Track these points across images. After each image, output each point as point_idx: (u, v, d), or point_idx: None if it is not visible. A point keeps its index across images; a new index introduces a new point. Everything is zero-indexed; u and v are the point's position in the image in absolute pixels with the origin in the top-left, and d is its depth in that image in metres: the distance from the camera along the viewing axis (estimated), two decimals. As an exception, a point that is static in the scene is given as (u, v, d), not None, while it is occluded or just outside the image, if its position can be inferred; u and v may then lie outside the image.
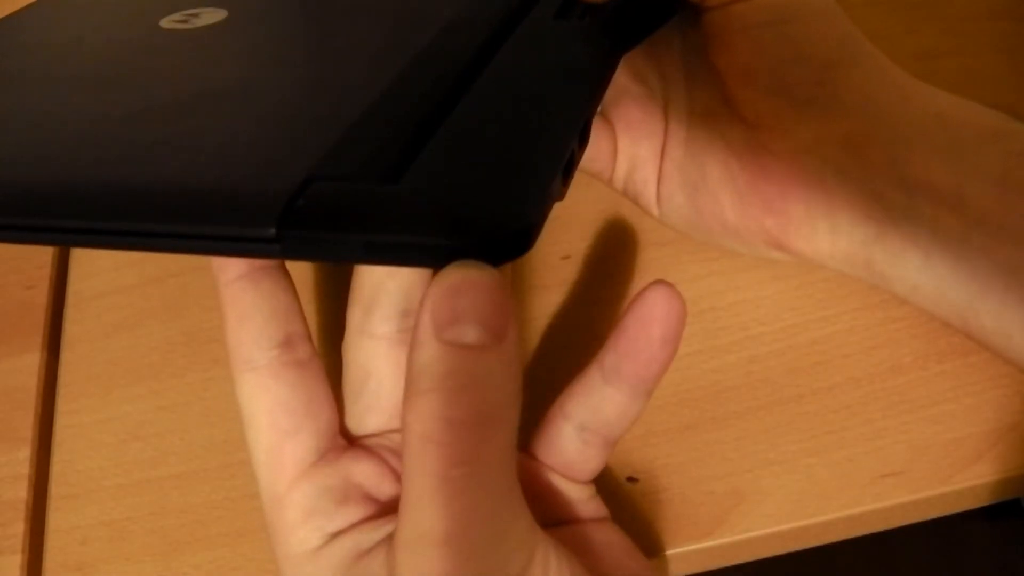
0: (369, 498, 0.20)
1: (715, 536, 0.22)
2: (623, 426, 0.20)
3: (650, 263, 0.26)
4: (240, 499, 0.25)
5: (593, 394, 0.20)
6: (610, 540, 0.21)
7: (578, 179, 0.19)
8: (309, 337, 0.20)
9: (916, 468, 0.22)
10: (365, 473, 0.20)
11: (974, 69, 0.29)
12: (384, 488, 0.20)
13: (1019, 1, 0.31)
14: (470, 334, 0.14)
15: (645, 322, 0.19)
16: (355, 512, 0.19)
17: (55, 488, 0.26)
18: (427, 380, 0.15)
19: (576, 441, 0.21)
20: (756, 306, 0.25)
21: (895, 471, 0.22)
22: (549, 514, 0.21)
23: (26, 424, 0.27)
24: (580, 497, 0.21)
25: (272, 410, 0.19)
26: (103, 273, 0.30)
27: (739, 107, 0.22)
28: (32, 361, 0.28)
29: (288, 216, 0.14)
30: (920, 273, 0.20)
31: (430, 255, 0.14)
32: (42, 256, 0.30)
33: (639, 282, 0.26)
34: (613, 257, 0.23)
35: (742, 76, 0.22)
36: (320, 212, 0.14)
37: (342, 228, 0.14)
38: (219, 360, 0.27)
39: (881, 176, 0.20)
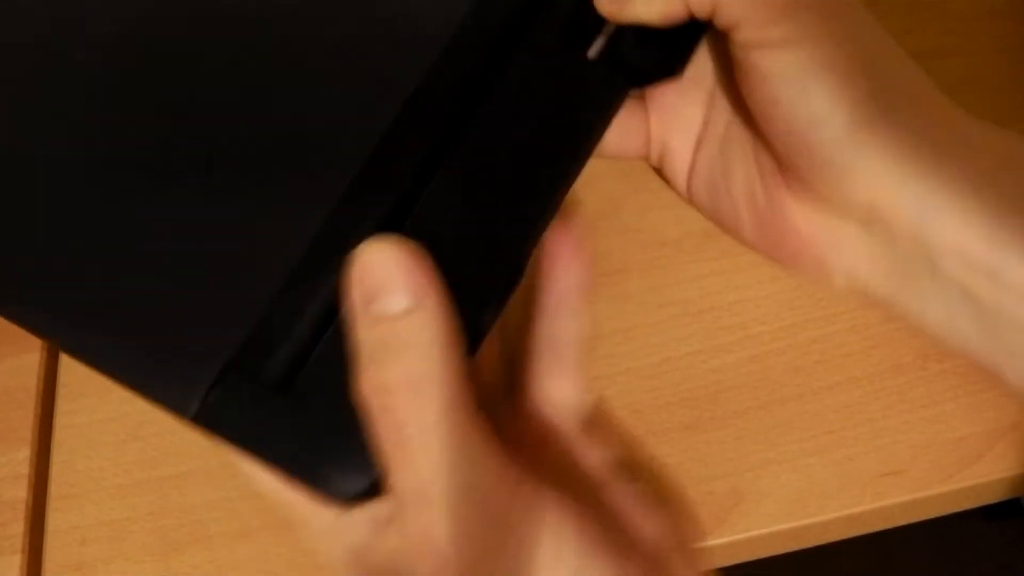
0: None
1: (715, 535, 0.22)
2: (580, 347, 0.21)
3: (650, 263, 0.26)
4: (240, 499, 0.25)
5: (545, 329, 0.21)
6: (625, 502, 0.21)
7: (578, 178, 0.19)
8: None
9: (916, 467, 0.22)
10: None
11: (974, 69, 0.29)
12: None
13: (1019, 1, 0.31)
14: (390, 304, 0.16)
15: (553, 256, 0.21)
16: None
17: (55, 488, 0.26)
18: (363, 354, 0.16)
19: (550, 377, 0.21)
20: (756, 305, 0.25)
21: (895, 470, 0.22)
22: (567, 471, 0.21)
23: (26, 424, 0.27)
24: (599, 461, 0.22)
25: None
26: (103, 273, 0.30)
27: (764, 139, 0.20)
28: (32, 361, 0.28)
29: (202, 411, 0.17)
30: (942, 326, 0.19)
31: (299, 483, 0.17)
32: (42, 256, 0.30)
33: (639, 281, 0.26)
34: (613, 256, 0.23)
35: (760, 116, 0.19)
36: (224, 414, 0.17)
37: (237, 439, 0.17)
38: (219, 360, 0.27)
39: (905, 240, 0.19)
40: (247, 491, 0.25)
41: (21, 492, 0.25)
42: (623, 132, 0.23)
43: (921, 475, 0.22)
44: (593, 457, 0.21)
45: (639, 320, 0.25)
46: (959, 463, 0.22)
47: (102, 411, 0.27)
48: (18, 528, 0.25)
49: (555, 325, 0.21)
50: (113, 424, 0.27)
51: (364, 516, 0.19)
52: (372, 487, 0.16)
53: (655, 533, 0.20)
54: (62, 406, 0.27)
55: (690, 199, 0.24)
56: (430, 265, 0.17)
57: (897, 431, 0.23)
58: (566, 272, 0.21)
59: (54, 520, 0.25)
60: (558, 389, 0.22)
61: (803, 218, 0.20)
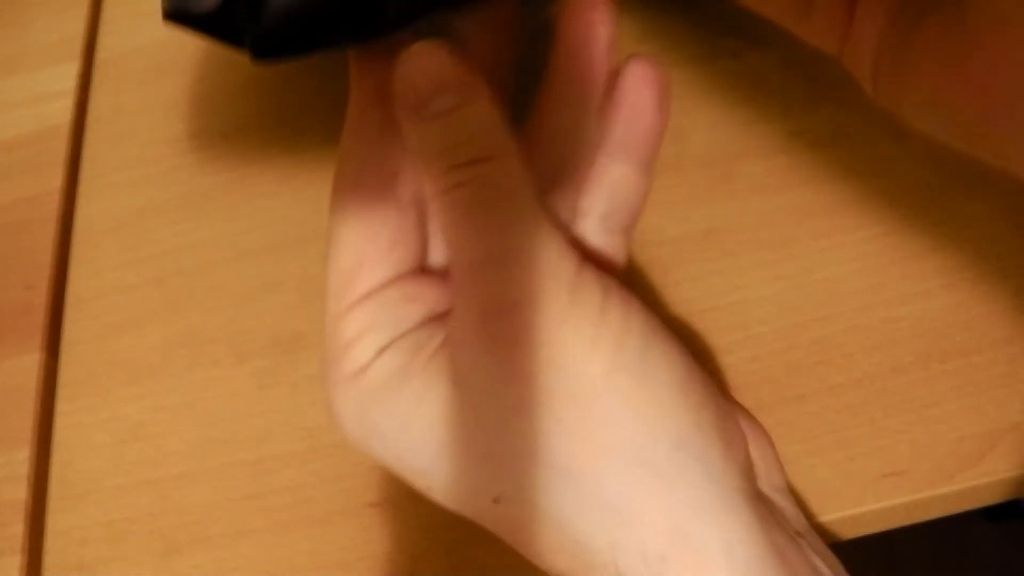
0: (425, 307, 0.19)
1: (716, 536, 0.22)
2: (637, 206, 0.21)
3: (650, 262, 0.26)
4: (240, 499, 0.25)
5: (605, 179, 0.21)
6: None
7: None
8: (416, 186, 0.20)
9: (918, 468, 0.22)
10: (430, 291, 0.19)
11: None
12: (442, 300, 0.19)
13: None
14: (442, 102, 0.17)
15: (639, 88, 0.20)
16: (409, 321, 0.19)
17: (54, 488, 0.26)
18: (431, 149, 0.18)
19: (602, 235, 0.21)
20: (757, 306, 0.25)
21: (897, 471, 0.22)
22: None
23: (25, 424, 0.27)
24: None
25: (359, 234, 0.19)
26: (103, 273, 0.30)
27: None
28: (31, 361, 0.28)
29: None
30: None
31: None
32: (42, 256, 0.30)
33: (639, 281, 0.26)
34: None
35: None
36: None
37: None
38: (219, 360, 0.27)
39: None
40: (248, 491, 0.25)
41: (21, 492, 0.25)
42: (832, 15, 0.21)
43: (923, 476, 0.22)
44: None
45: (640, 320, 0.25)
46: (961, 463, 0.22)
47: (102, 411, 0.27)
48: (18, 528, 0.25)
49: (621, 174, 0.21)
50: (113, 424, 0.27)
51: (403, 346, 0.19)
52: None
53: None
54: (62, 406, 0.27)
55: (875, 86, 0.22)
56: (469, 60, 0.18)
57: (899, 432, 0.23)
58: (645, 114, 0.20)
59: (54, 520, 0.25)
60: (607, 252, 0.21)
61: (990, 56, 0.17)
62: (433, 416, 0.18)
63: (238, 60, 0.19)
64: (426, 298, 0.19)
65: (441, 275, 0.20)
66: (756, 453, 0.19)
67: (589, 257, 0.21)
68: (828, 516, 0.22)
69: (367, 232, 0.19)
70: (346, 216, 0.19)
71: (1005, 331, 0.23)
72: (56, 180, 0.32)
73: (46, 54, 0.35)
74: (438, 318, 0.19)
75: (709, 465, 0.17)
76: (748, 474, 0.18)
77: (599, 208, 0.21)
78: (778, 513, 0.18)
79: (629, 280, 0.26)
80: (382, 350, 0.18)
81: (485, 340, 0.17)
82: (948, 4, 0.19)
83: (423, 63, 0.17)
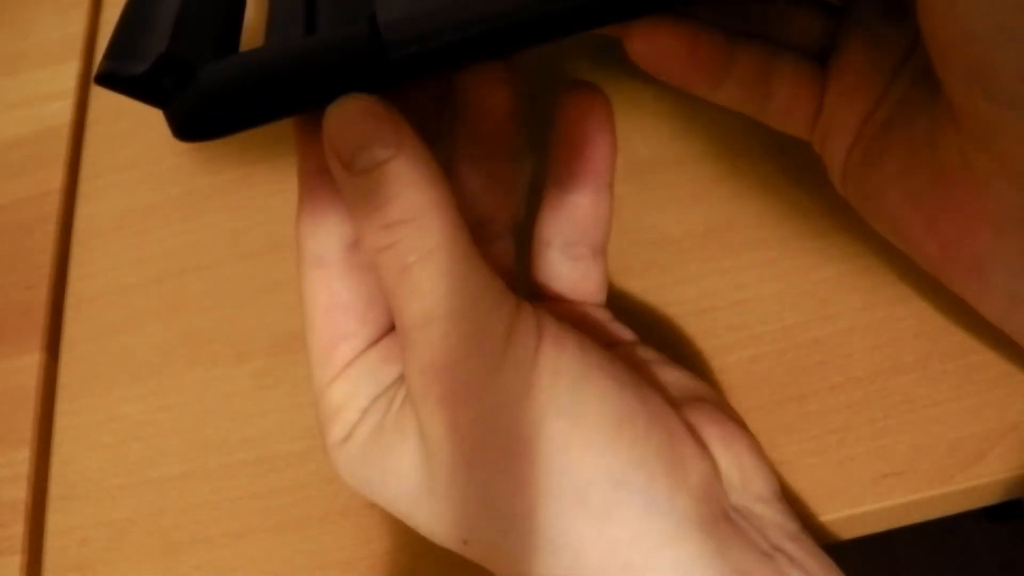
0: (401, 365, 0.20)
1: (716, 536, 0.22)
2: (601, 228, 0.22)
3: (650, 261, 0.26)
4: (240, 499, 0.25)
5: (560, 209, 0.21)
6: (651, 357, 0.22)
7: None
8: None
9: (918, 468, 0.22)
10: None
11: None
12: None
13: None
14: (370, 158, 0.17)
15: (575, 117, 0.20)
16: (387, 380, 0.20)
17: (54, 489, 0.26)
18: (361, 208, 0.17)
19: (566, 261, 0.22)
20: (757, 305, 0.25)
21: (897, 471, 0.22)
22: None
23: (25, 424, 0.27)
24: (600, 320, 0.22)
25: (331, 310, 0.19)
26: (103, 273, 0.30)
27: (944, 88, 0.16)
28: (32, 361, 0.28)
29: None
30: None
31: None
32: (42, 256, 0.30)
33: (639, 281, 0.26)
34: (613, 256, 0.23)
35: (934, 42, 0.16)
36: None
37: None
38: (219, 360, 0.27)
39: None
40: (248, 491, 0.25)
41: (21, 492, 0.25)
42: (793, 104, 0.22)
43: (923, 475, 0.22)
44: (593, 315, 0.22)
45: (639, 320, 0.25)
46: (961, 463, 0.22)
47: (102, 411, 0.27)
48: (18, 529, 0.25)
49: (574, 202, 0.21)
50: (113, 424, 0.27)
51: (380, 406, 0.19)
52: (166, 55, 0.17)
53: (679, 384, 0.21)
54: (62, 406, 0.27)
55: (843, 186, 0.22)
56: (396, 111, 0.18)
57: (899, 431, 0.23)
58: (589, 141, 0.21)
59: (54, 521, 0.25)
60: (576, 278, 0.22)
61: (968, 191, 0.17)
62: (403, 468, 0.18)
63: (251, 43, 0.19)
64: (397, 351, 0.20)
65: None
66: (730, 466, 0.19)
67: (549, 290, 0.22)
68: (828, 516, 0.22)
69: (338, 308, 0.19)
70: (315, 295, 0.19)
71: (1005, 331, 0.23)
72: (56, 180, 0.32)
73: (46, 54, 0.35)
74: None
75: (651, 499, 0.17)
76: (705, 497, 0.18)
77: (559, 238, 0.22)
78: (751, 529, 0.18)
79: (629, 281, 0.26)
80: (364, 412, 0.19)
81: (428, 399, 0.18)
82: (919, 121, 0.19)
83: (350, 116, 0.17)
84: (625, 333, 0.23)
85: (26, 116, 0.34)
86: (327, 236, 0.19)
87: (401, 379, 0.19)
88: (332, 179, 0.19)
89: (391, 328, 0.20)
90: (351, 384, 0.19)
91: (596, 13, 0.18)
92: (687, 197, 0.27)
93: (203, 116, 0.17)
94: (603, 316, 0.23)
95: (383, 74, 0.17)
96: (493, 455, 0.17)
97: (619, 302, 0.26)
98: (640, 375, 0.20)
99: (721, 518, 0.18)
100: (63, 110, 0.34)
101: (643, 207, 0.27)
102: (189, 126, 0.17)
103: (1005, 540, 0.70)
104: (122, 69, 0.17)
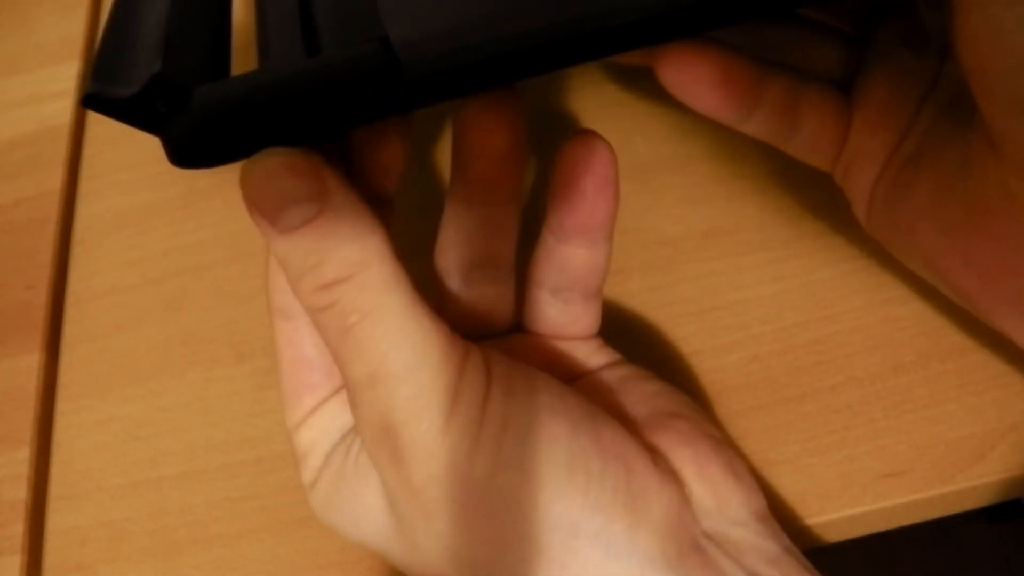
0: None
1: (716, 536, 0.22)
2: (595, 277, 0.21)
3: (650, 262, 0.26)
4: (240, 499, 0.25)
5: (553, 256, 0.21)
6: (627, 375, 0.21)
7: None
8: None
9: (918, 468, 0.22)
10: None
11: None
12: None
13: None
14: (295, 216, 0.16)
15: (574, 174, 0.19)
16: (347, 426, 0.20)
17: (54, 489, 0.26)
18: (293, 268, 0.17)
19: (556, 304, 0.21)
20: (757, 305, 0.25)
21: (897, 471, 0.22)
22: (563, 376, 0.21)
23: (25, 424, 0.27)
24: (588, 350, 0.22)
25: (296, 363, 0.20)
26: (103, 273, 0.30)
27: (982, 119, 0.16)
28: (32, 361, 0.28)
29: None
30: None
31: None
32: (42, 256, 0.30)
33: (639, 281, 0.26)
34: (613, 256, 0.22)
35: (978, 74, 0.15)
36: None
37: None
38: (219, 360, 0.27)
39: None
40: (248, 491, 0.25)
41: (21, 492, 0.25)
42: (819, 136, 0.21)
43: (923, 476, 0.22)
44: (580, 349, 0.22)
45: (639, 320, 0.25)
46: (961, 463, 0.22)
47: (102, 411, 0.27)
48: (18, 528, 0.25)
49: (569, 253, 0.20)
50: (113, 424, 0.27)
51: (341, 449, 0.19)
52: (159, 76, 0.16)
53: (653, 402, 0.20)
54: (62, 406, 0.27)
55: (868, 221, 0.22)
56: (319, 160, 0.16)
57: (899, 431, 0.23)
58: (588, 199, 0.19)
59: (54, 521, 0.25)
60: (565, 321, 0.21)
61: (1006, 220, 0.17)
62: (370, 510, 0.18)
63: (238, 58, 0.19)
64: None
65: None
66: (702, 490, 0.19)
67: (538, 326, 0.21)
68: (828, 516, 0.22)
69: (303, 362, 0.20)
70: (282, 347, 0.20)
71: (1011, 340, 0.23)
72: (56, 180, 0.32)
73: (46, 54, 0.35)
74: None
75: (610, 543, 0.17)
76: (671, 531, 0.18)
77: (550, 283, 0.21)
78: (723, 557, 0.18)
79: (629, 280, 0.26)
80: (327, 456, 0.19)
81: (378, 457, 0.17)
82: (949, 152, 0.18)
83: (268, 173, 0.16)
84: (611, 355, 0.22)
85: (26, 116, 0.34)
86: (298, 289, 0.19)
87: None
88: None
89: None
90: (315, 431, 0.20)
91: (627, 36, 0.16)
92: (687, 197, 0.27)
93: (201, 141, 0.16)
94: (591, 345, 0.22)
95: (396, 98, 0.16)
96: (448, 509, 0.17)
97: (619, 302, 0.26)
98: (601, 405, 0.19)
99: (690, 550, 0.18)
100: (63, 110, 0.34)
101: (643, 207, 0.27)
102: (186, 151, 0.16)
103: (1005, 540, 0.70)
104: (110, 91, 0.15)
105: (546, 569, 0.17)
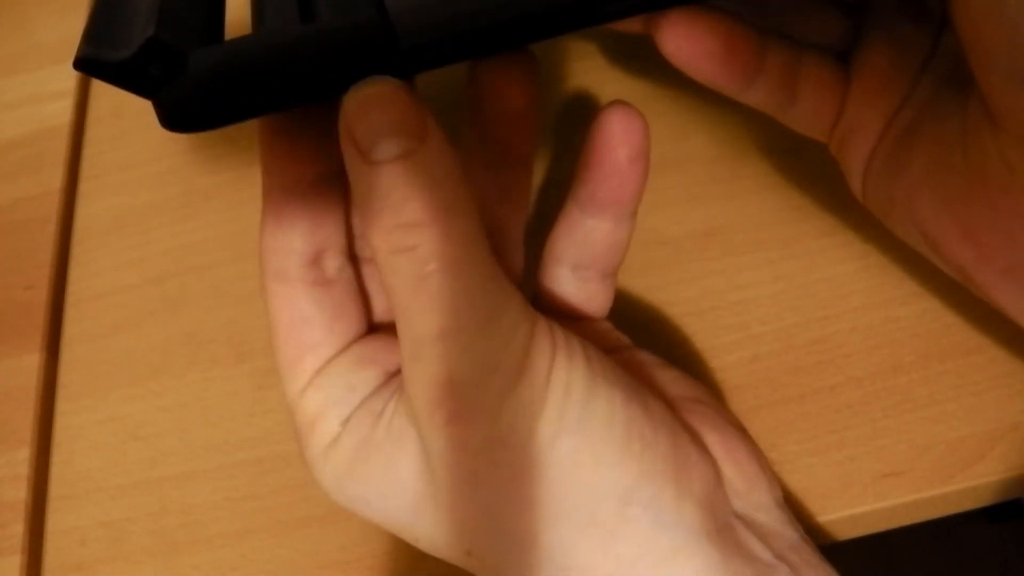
0: (379, 369, 0.19)
1: (716, 536, 0.22)
2: (616, 255, 0.21)
3: (650, 261, 0.26)
4: (240, 499, 0.25)
5: (577, 230, 0.20)
6: (645, 360, 0.21)
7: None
8: (345, 249, 0.20)
9: (918, 468, 0.22)
10: (382, 351, 0.19)
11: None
12: (394, 359, 0.19)
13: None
14: (392, 147, 0.15)
15: (609, 144, 0.19)
16: (365, 387, 0.19)
17: (54, 489, 0.26)
18: (376, 202, 0.16)
19: (574, 281, 0.21)
20: (757, 305, 0.25)
21: (897, 471, 0.22)
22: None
23: (25, 424, 0.27)
24: (601, 332, 0.22)
25: (294, 324, 0.19)
26: (103, 273, 0.30)
27: (981, 91, 0.16)
28: (31, 361, 0.28)
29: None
30: None
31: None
32: (42, 256, 0.30)
33: (639, 281, 0.26)
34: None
35: (976, 47, 0.16)
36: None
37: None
38: (219, 360, 0.27)
39: None
40: (248, 491, 0.25)
41: (20, 492, 0.25)
42: (817, 105, 0.21)
43: (923, 475, 0.22)
44: (591, 329, 0.21)
45: (639, 320, 0.25)
46: (961, 463, 0.22)
47: (102, 411, 0.27)
48: (17, 529, 0.25)
49: (593, 227, 0.20)
50: (113, 424, 0.27)
51: (362, 418, 0.18)
52: (153, 39, 0.15)
53: (678, 388, 0.20)
54: (62, 406, 0.27)
55: (863, 185, 0.21)
56: (420, 100, 0.16)
57: (899, 431, 0.23)
58: (620, 170, 0.19)
59: (54, 521, 0.25)
60: (581, 299, 0.21)
61: (1006, 194, 0.17)
62: (403, 482, 0.18)
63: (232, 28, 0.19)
64: (378, 359, 0.19)
65: (390, 331, 0.19)
66: (732, 472, 0.19)
67: (552, 303, 0.21)
68: (828, 516, 0.22)
69: (302, 321, 0.19)
70: (278, 310, 0.19)
71: (1005, 331, 0.23)
72: (56, 180, 0.32)
73: (46, 54, 0.35)
74: (393, 376, 0.19)
75: (660, 512, 0.17)
76: (709, 507, 0.18)
77: (570, 258, 0.21)
78: (753, 539, 0.18)
79: (629, 281, 0.26)
80: (346, 421, 0.19)
81: (435, 416, 0.17)
82: (948, 122, 0.18)
83: (374, 100, 0.16)
84: (623, 340, 0.22)
85: (26, 116, 0.34)
86: (289, 252, 0.19)
87: (383, 387, 0.19)
88: (297, 192, 0.18)
89: (360, 335, 0.20)
90: (323, 393, 0.19)
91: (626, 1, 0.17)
92: (687, 198, 0.27)
93: (195, 106, 0.16)
94: (602, 327, 0.22)
95: (393, 65, 0.16)
96: (501, 475, 0.17)
97: (619, 302, 0.26)
98: (641, 380, 0.19)
99: (724, 527, 0.18)
100: (63, 110, 0.34)
101: (643, 207, 0.27)
102: (180, 116, 0.16)
103: (1005, 540, 0.70)
104: (104, 54, 0.15)
105: (594, 540, 0.17)
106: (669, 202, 0.27)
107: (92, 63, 0.15)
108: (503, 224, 0.21)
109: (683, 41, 0.19)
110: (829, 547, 0.23)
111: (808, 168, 0.23)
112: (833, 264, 0.25)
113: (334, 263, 0.19)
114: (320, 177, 0.19)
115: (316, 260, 0.19)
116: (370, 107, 0.16)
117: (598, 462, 0.17)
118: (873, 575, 0.68)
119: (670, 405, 0.20)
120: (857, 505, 0.22)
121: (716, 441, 0.19)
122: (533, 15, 0.16)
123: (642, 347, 0.22)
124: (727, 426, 0.20)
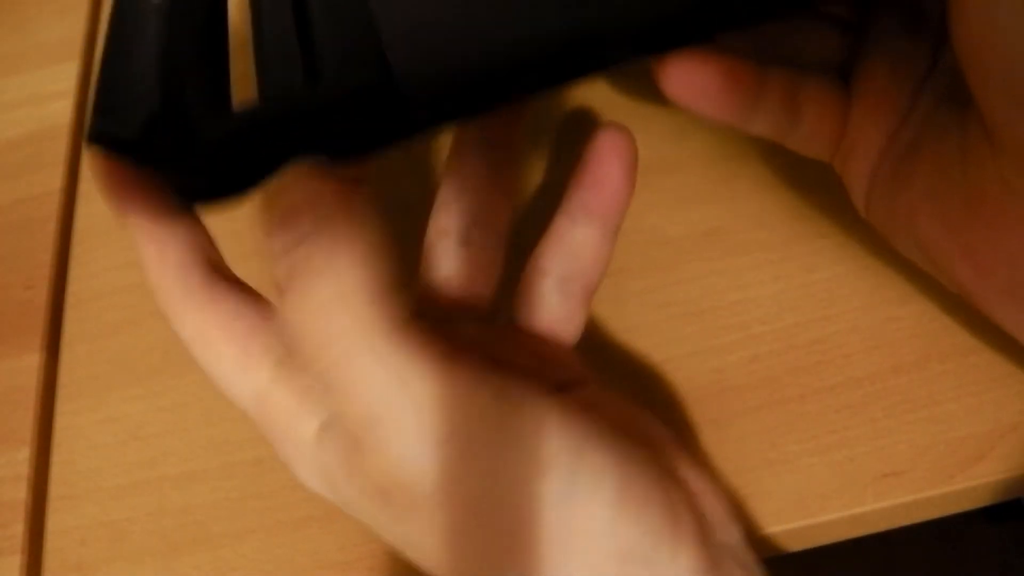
0: None
1: (716, 536, 0.22)
2: (599, 271, 0.21)
3: (650, 261, 0.26)
4: (240, 499, 0.25)
5: (565, 241, 0.21)
6: (607, 399, 0.21)
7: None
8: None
9: (917, 468, 0.22)
10: None
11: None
12: None
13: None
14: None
15: (605, 157, 0.20)
16: None
17: (54, 489, 0.26)
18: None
19: (557, 295, 0.21)
20: (757, 305, 0.25)
21: (896, 471, 0.22)
22: (554, 382, 0.20)
23: (25, 425, 0.27)
24: (567, 361, 0.21)
25: (226, 321, 0.19)
26: (103, 273, 0.30)
27: (980, 111, 0.16)
28: (32, 361, 0.28)
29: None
30: None
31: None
32: (42, 256, 0.30)
33: (639, 281, 0.26)
34: (613, 256, 0.22)
35: (974, 67, 0.15)
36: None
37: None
38: (219, 360, 0.27)
39: None
40: (248, 491, 0.25)
41: (21, 493, 0.25)
42: (819, 126, 0.21)
43: (923, 476, 0.22)
44: (564, 357, 0.21)
45: (639, 320, 0.25)
46: (961, 463, 0.22)
47: (102, 411, 0.27)
48: (17, 529, 0.25)
49: (582, 236, 0.21)
50: (113, 424, 0.27)
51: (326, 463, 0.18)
52: (159, 115, 0.15)
53: (641, 426, 0.20)
54: (62, 406, 0.27)
55: (866, 209, 0.22)
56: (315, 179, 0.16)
57: (898, 431, 0.23)
58: (611, 184, 0.20)
59: (54, 521, 0.25)
60: (560, 316, 0.21)
61: (1001, 210, 0.17)
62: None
63: (237, 56, 0.19)
64: None
65: None
66: (707, 509, 0.19)
67: (529, 320, 0.21)
68: (828, 516, 0.22)
69: (228, 314, 0.19)
70: (201, 319, 0.19)
71: (1004, 332, 0.23)
72: (56, 180, 0.32)
73: (46, 54, 0.35)
74: None
75: (657, 568, 0.17)
76: (700, 544, 0.17)
77: (558, 269, 0.21)
78: (736, 569, 0.18)
79: (629, 281, 0.26)
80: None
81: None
82: (948, 140, 0.18)
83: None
84: (587, 374, 0.22)
85: (26, 116, 0.34)
86: (188, 267, 0.19)
87: None
88: (170, 226, 0.18)
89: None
90: (299, 383, 0.18)
91: (623, 49, 0.17)
92: (687, 198, 0.27)
93: (208, 180, 0.16)
94: (571, 357, 0.22)
95: (402, 128, 0.16)
96: (493, 528, 0.16)
97: (619, 302, 0.26)
98: (617, 425, 0.19)
99: (716, 563, 0.18)
100: (63, 110, 0.34)
101: (643, 207, 0.27)
102: (193, 190, 0.16)
103: (1005, 541, 0.70)
104: (118, 129, 0.15)
105: None
106: (669, 202, 0.27)
107: (104, 138, 0.15)
108: (490, 216, 0.21)
109: (685, 83, 0.20)
110: (829, 547, 0.23)
111: (808, 168, 0.23)
112: (833, 264, 0.25)
113: (228, 270, 0.20)
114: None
115: (216, 266, 0.19)
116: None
117: (591, 528, 0.17)
118: (873, 575, 0.68)
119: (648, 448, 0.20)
120: (857, 505, 0.22)
121: (690, 478, 0.19)
122: (537, 68, 0.16)
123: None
124: (695, 466, 0.20)
